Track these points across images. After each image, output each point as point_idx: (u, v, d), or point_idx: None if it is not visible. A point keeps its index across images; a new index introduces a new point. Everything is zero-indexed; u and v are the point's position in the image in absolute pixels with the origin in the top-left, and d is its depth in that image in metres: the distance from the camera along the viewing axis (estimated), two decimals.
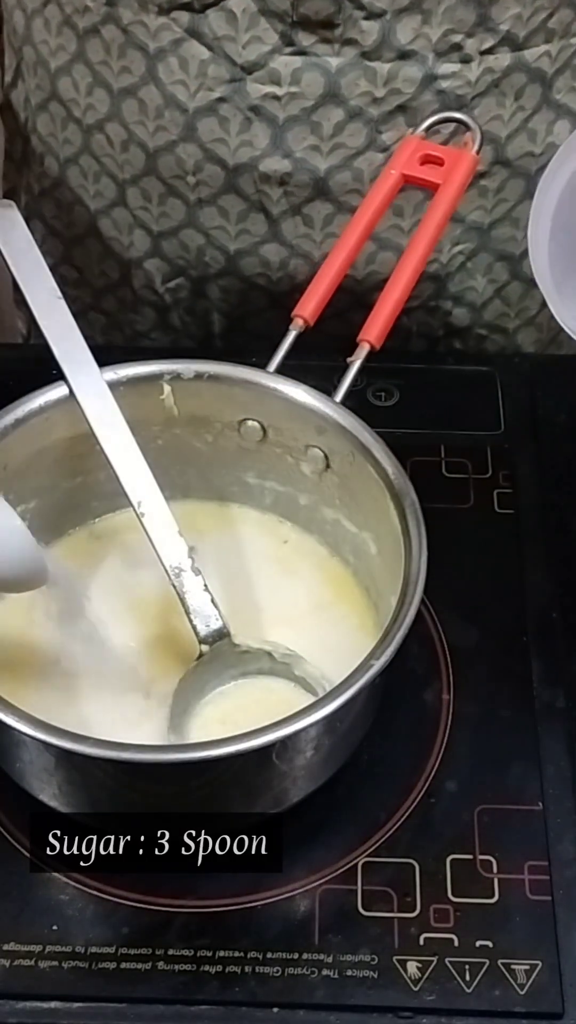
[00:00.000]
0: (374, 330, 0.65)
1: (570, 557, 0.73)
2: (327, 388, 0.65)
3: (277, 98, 0.74)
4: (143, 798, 0.58)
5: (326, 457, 0.66)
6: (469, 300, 0.86)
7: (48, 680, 0.65)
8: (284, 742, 0.54)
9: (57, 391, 0.64)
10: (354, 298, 0.79)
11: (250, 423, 0.67)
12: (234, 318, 0.86)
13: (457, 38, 0.72)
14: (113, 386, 0.65)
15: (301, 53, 0.72)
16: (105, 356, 0.66)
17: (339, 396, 0.65)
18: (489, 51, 0.73)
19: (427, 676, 0.68)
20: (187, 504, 0.70)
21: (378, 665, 0.55)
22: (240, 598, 0.67)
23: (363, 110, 0.74)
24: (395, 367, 0.82)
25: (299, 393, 0.65)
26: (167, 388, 0.67)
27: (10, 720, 0.53)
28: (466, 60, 0.73)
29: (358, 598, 0.68)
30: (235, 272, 0.83)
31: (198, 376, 0.66)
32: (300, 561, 0.70)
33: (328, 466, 0.66)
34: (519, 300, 0.87)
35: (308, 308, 0.67)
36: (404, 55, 0.72)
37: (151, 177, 0.80)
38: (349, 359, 0.65)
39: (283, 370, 0.66)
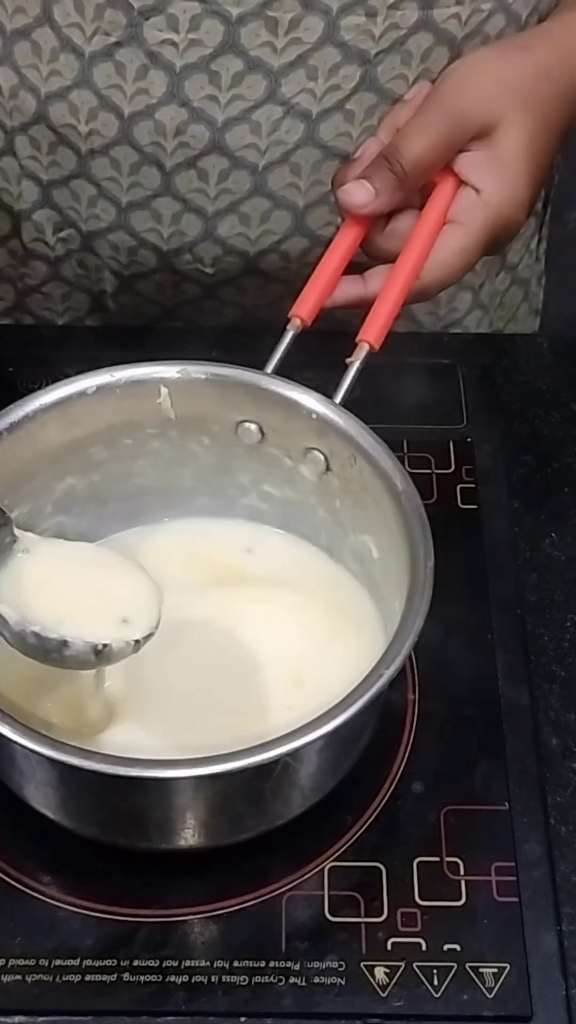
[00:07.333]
0: (373, 330, 0.65)
1: (533, 553, 0.73)
2: (326, 389, 0.64)
3: (175, 45, 0.72)
4: (128, 806, 0.57)
5: (326, 459, 0.65)
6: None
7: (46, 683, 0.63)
8: (290, 755, 0.53)
9: (51, 395, 0.64)
10: None
11: (248, 425, 0.66)
12: (124, 277, 0.85)
13: None
14: (109, 388, 0.64)
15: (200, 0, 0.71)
16: (105, 357, 0.65)
17: (339, 397, 0.64)
18: (395, 6, 0.72)
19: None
20: (186, 517, 0.70)
21: (386, 676, 0.55)
22: (241, 603, 0.67)
23: (263, 61, 0.72)
24: None
25: (298, 394, 0.64)
26: (164, 390, 0.66)
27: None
28: (371, 13, 0.71)
29: (360, 600, 0.67)
30: (125, 226, 0.81)
31: (195, 378, 0.65)
32: (300, 564, 0.69)
33: (328, 468, 0.65)
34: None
35: (305, 308, 0.67)
36: (307, 4, 0.71)
37: (41, 125, 0.78)
38: (349, 359, 0.64)
39: (281, 371, 0.65)
